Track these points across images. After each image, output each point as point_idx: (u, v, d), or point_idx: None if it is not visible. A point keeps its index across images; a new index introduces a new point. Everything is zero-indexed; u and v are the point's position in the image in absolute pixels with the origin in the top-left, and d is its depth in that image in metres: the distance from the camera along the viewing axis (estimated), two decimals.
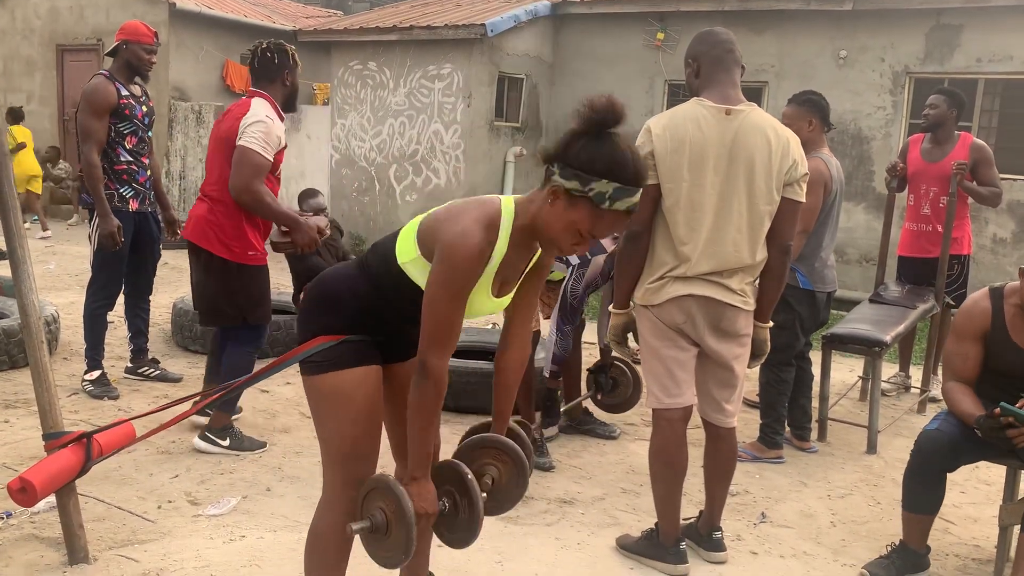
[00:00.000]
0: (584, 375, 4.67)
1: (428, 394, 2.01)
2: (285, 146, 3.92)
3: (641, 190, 1.97)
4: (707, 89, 2.97)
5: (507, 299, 2.19)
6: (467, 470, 2.12)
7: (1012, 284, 3.09)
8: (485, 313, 2.17)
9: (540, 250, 2.18)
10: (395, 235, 2.17)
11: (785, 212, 2.97)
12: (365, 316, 2.18)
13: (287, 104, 3.96)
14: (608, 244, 3.97)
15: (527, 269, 2.20)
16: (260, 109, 3.79)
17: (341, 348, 2.16)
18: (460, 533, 2.15)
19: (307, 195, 5.88)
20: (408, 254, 2.10)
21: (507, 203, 2.06)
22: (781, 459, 4.24)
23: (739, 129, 2.89)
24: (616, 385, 4.58)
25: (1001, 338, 3.04)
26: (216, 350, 4.24)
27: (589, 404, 4.71)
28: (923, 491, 3.10)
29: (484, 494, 2.19)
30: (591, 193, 1.93)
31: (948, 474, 3.11)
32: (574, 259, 3.95)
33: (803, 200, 3.00)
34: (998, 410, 2.82)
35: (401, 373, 2.32)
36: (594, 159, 1.93)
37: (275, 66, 3.88)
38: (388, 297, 2.16)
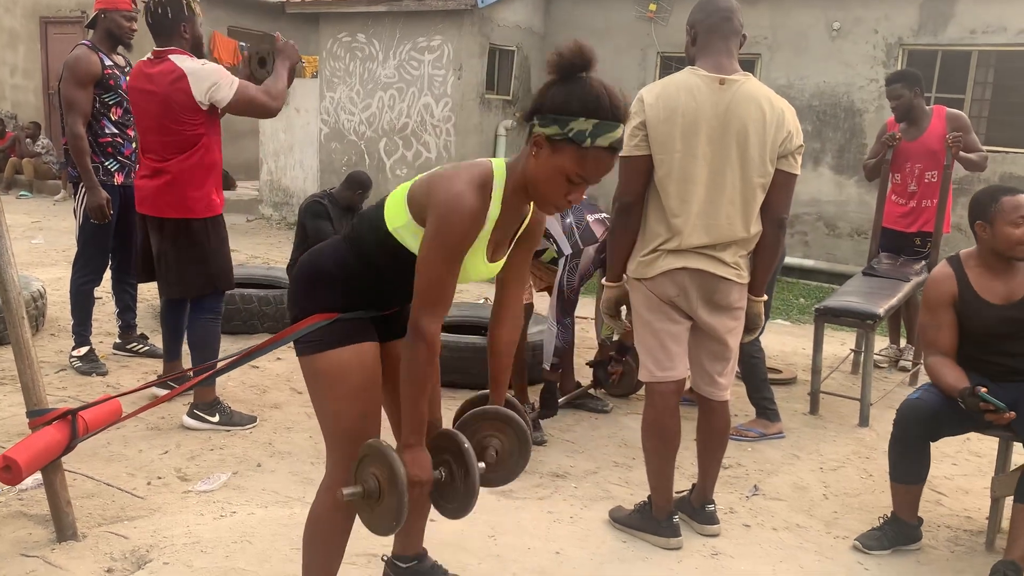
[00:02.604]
0: (586, 364, 4.70)
1: (421, 357, 1.98)
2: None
3: (622, 126, 1.95)
4: (702, 58, 2.92)
5: (500, 264, 2.17)
6: (464, 439, 2.10)
7: (967, 250, 3.21)
8: (479, 278, 2.15)
9: (530, 214, 2.16)
10: (381, 203, 2.14)
11: (779, 185, 2.93)
12: (358, 291, 2.15)
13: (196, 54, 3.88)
14: (599, 232, 3.94)
15: (518, 233, 2.17)
16: (190, 62, 3.73)
17: (336, 326, 2.13)
18: (456, 503, 2.13)
19: (363, 183, 5.64)
20: (399, 218, 2.06)
21: (498, 164, 2.05)
22: (782, 434, 4.23)
23: (733, 99, 2.84)
24: (624, 376, 4.62)
25: (971, 299, 3.12)
26: (172, 324, 4.19)
27: (582, 380, 4.71)
28: (907, 461, 3.13)
29: (483, 464, 2.17)
30: (571, 133, 1.92)
31: (932, 443, 3.13)
32: (566, 248, 3.92)
33: (798, 172, 2.96)
34: (984, 388, 2.89)
35: (398, 352, 2.28)
36: (569, 100, 1.92)
37: (170, 20, 3.80)
38: (379, 267, 2.12)
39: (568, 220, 3.96)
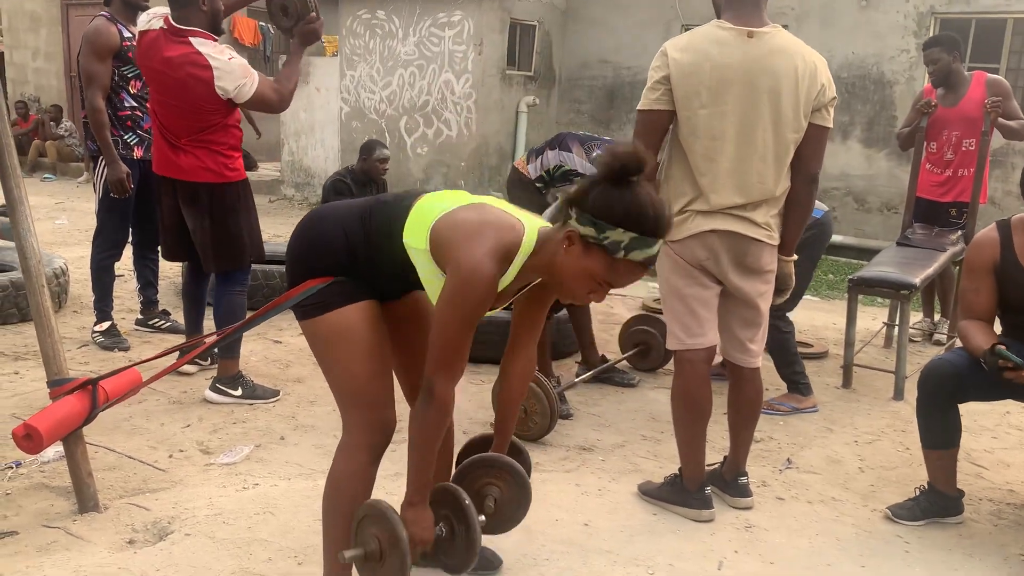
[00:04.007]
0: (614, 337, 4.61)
1: (431, 419, 1.97)
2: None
3: (660, 241, 1.89)
4: (729, 10, 2.80)
5: (497, 310, 2.15)
6: (466, 496, 2.09)
7: (1020, 215, 3.03)
8: None
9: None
10: (408, 205, 2.07)
11: (812, 139, 2.81)
12: (355, 268, 2.10)
13: (214, 29, 3.67)
14: None
15: (531, 284, 2.15)
16: (216, 53, 3.55)
17: (333, 288, 2.09)
18: (456, 560, 2.12)
19: (366, 146, 5.97)
20: (417, 242, 2.01)
21: (529, 235, 1.99)
22: (816, 408, 4.13)
23: (763, 53, 2.73)
24: (649, 350, 4.55)
25: (1012, 267, 2.98)
26: (194, 296, 4.13)
27: (607, 352, 4.63)
28: (933, 423, 3.02)
29: (483, 517, 2.18)
30: (605, 242, 1.86)
31: (959, 405, 3.01)
32: None
33: (831, 126, 2.84)
34: (1004, 346, 2.76)
35: (396, 311, 2.25)
36: (611, 207, 1.86)
37: None
38: (381, 261, 2.08)
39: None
